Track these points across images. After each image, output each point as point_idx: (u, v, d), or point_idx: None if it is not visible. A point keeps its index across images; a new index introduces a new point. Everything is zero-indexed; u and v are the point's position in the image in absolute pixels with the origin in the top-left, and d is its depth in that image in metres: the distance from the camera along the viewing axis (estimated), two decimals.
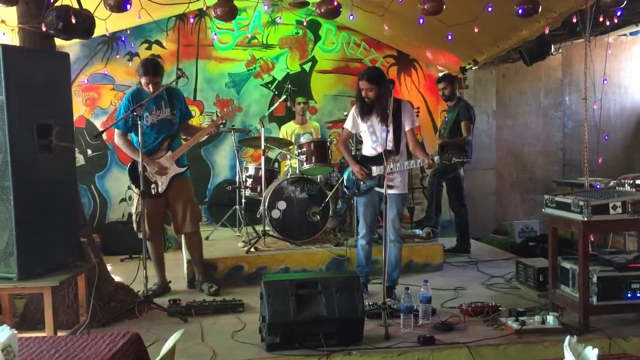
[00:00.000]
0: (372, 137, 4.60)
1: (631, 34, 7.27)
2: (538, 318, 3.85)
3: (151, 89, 4.60)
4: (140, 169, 4.42)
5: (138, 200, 4.69)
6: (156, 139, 4.75)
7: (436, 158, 4.35)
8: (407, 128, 4.55)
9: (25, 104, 3.25)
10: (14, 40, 4.97)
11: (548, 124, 8.10)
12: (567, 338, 1.86)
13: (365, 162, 4.62)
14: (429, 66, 7.83)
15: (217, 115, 4.87)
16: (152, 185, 4.72)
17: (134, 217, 4.87)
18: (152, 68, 4.63)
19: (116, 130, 4.72)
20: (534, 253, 6.03)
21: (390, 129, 4.27)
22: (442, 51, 7.19)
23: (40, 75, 3.41)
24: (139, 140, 4.41)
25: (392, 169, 4.38)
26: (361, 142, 4.88)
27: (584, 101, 5.09)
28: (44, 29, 3.99)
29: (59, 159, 3.49)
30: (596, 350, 1.79)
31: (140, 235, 4.64)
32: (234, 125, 6.82)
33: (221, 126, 5.34)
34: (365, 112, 4.54)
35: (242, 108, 7.23)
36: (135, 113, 4.32)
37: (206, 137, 5.42)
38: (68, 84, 3.75)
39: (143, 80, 4.62)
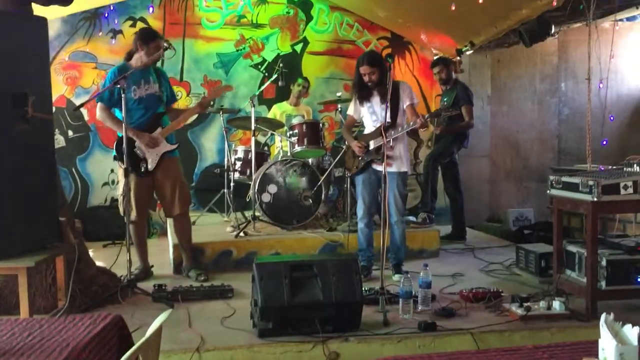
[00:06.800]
0: (372, 117, 4.60)
1: (628, 19, 7.12)
2: (543, 304, 3.67)
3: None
4: (124, 145, 4.11)
5: (124, 181, 4.41)
6: (144, 115, 4.49)
7: (426, 116, 4.34)
8: (407, 103, 4.53)
9: None
10: None
11: (543, 111, 7.94)
12: (604, 315, 1.66)
13: (363, 139, 4.61)
14: (423, 49, 7.62)
15: (204, 95, 4.63)
16: (142, 163, 4.46)
17: (120, 199, 4.54)
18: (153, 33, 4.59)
19: (99, 103, 4.42)
20: (530, 241, 5.87)
21: (389, 106, 4.18)
22: (437, 33, 6.98)
23: (16, 40, 3.18)
24: (124, 115, 4.11)
25: (389, 140, 4.33)
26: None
27: (587, 82, 4.95)
28: None
29: (36, 130, 3.27)
30: (637, 329, 1.60)
31: (126, 219, 4.37)
32: (222, 106, 6.48)
33: (210, 107, 5.08)
34: (364, 96, 4.57)
35: (232, 87, 6.88)
36: (119, 85, 4.06)
37: (194, 118, 5.18)
38: (45, 51, 3.49)
39: (152, 45, 4.39)
